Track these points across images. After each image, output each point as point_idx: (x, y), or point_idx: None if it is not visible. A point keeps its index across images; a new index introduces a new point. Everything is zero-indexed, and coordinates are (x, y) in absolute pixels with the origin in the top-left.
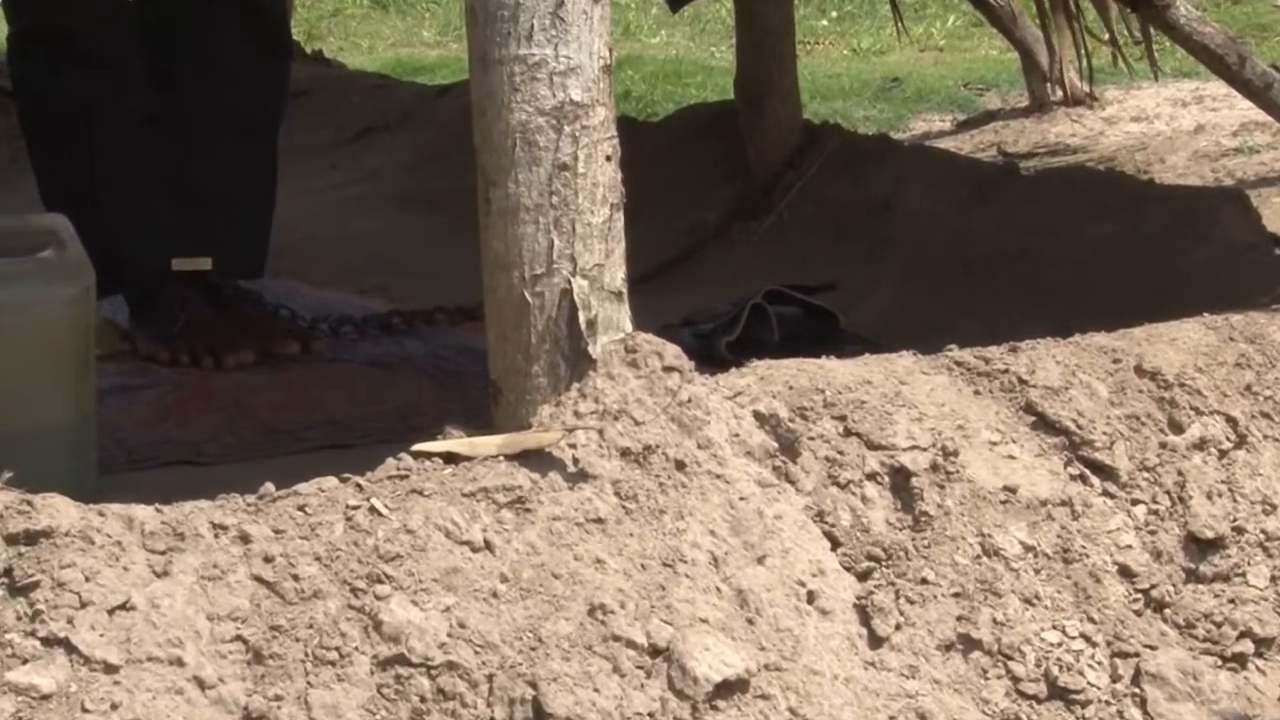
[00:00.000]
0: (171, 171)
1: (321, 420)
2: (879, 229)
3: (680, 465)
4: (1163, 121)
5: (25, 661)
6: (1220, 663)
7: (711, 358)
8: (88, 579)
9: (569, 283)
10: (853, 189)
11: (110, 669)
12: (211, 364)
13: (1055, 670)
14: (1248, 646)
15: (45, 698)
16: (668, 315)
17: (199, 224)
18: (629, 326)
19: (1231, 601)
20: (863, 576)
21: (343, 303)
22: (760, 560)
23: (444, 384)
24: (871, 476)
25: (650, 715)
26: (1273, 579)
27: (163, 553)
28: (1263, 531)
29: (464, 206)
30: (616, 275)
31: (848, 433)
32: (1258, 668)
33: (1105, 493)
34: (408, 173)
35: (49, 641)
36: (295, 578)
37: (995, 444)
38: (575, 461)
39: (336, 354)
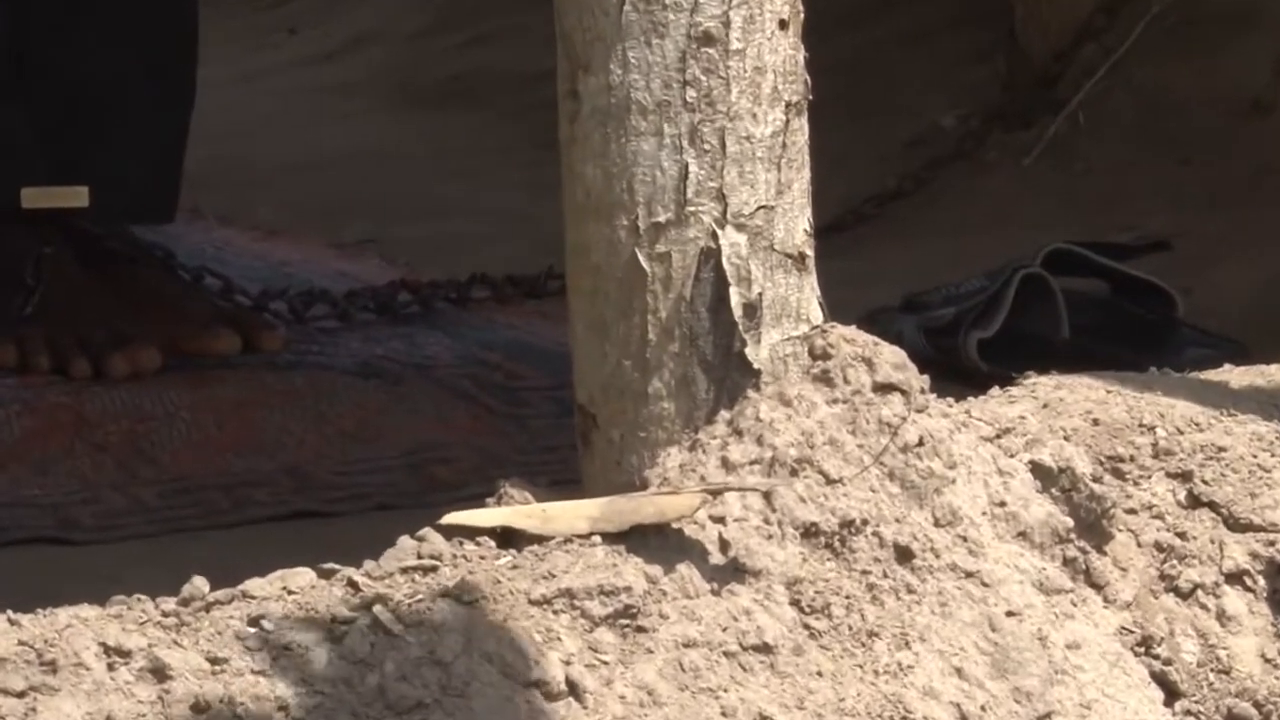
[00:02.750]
0: (13, 45)
1: (278, 469)
2: (1246, 145)
3: (904, 555)
4: None
5: None
6: None
7: (956, 367)
8: None
9: (715, 238)
10: (1198, 76)
11: None
12: (88, 370)
13: None
14: None
15: None
16: (879, 292)
17: (65, 135)
18: (818, 315)
19: None
20: None
21: (312, 266)
22: None
23: (489, 408)
24: (1237, 577)
25: None
26: None
27: (21, 694)
28: None
29: (520, 101)
30: (797, 225)
31: (1195, 502)
32: None
33: None
34: (419, 44)
35: None
36: None
37: None
38: (723, 546)
39: (301, 355)
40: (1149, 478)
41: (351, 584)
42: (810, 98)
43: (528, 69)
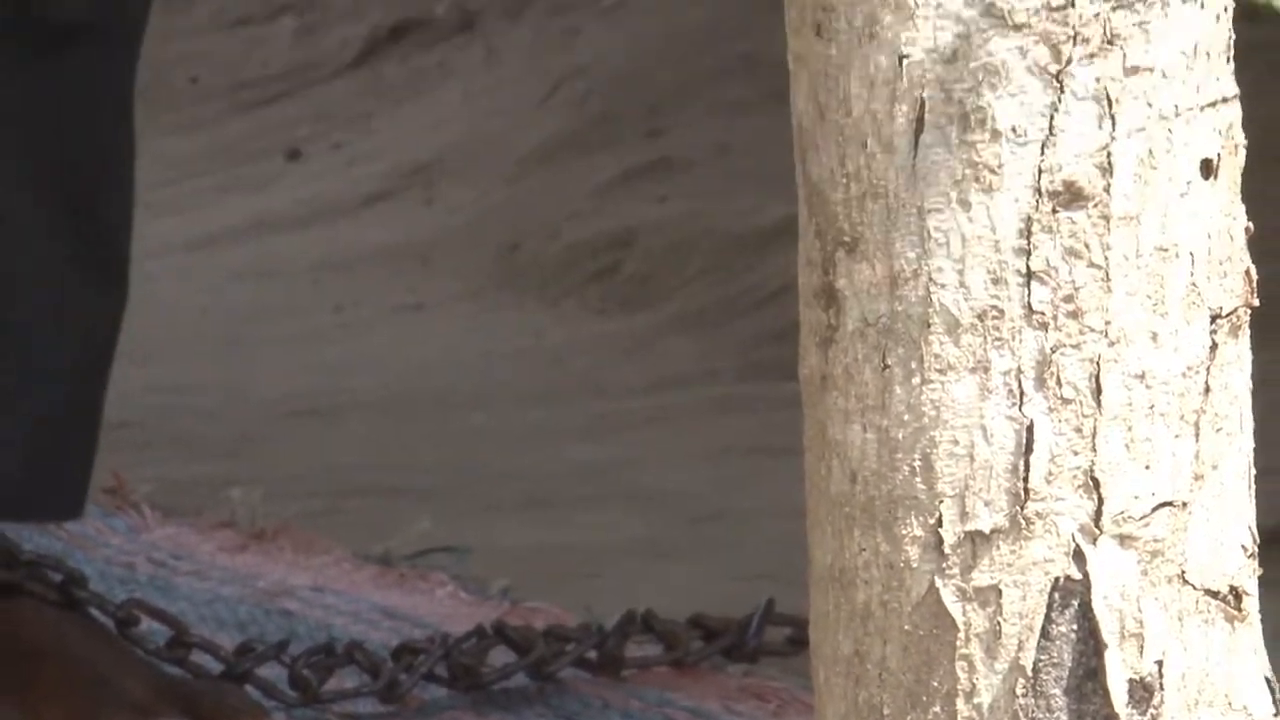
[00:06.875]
0: None
1: None
2: None
3: None
4: None
5: None
6: None
7: None
8: None
9: (1080, 560)
10: None
11: None
12: None
13: None
14: None
15: None
16: None
17: None
18: (1266, 705)
19: None
20: None
21: (332, 600)
22: None
23: None
24: None
25: None
26: None
27: None
28: None
29: (715, 293)
30: (1229, 537)
31: None
32: None
33: None
34: (536, 175)
35: None
36: None
37: None
38: None
39: None
40: None
41: None
42: (1257, 302)
43: (733, 228)
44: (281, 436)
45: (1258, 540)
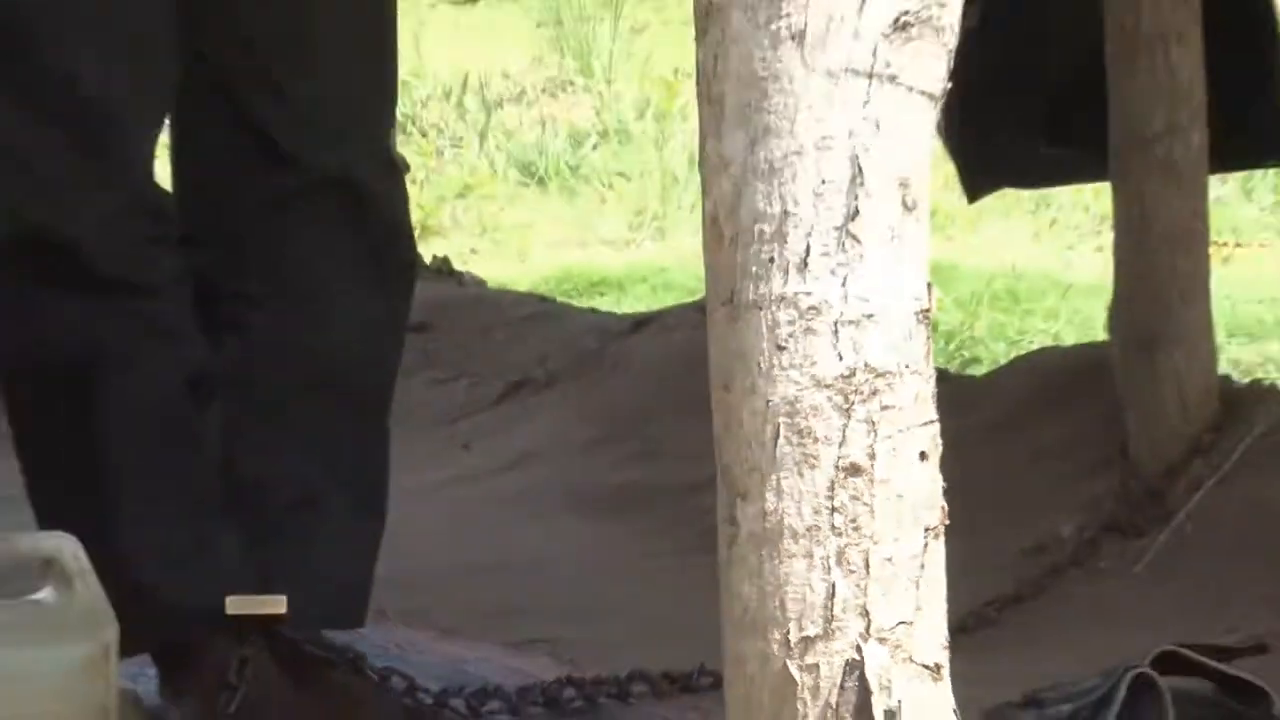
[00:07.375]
0: (225, 463)
1: None
2: None
3: None
4: None
5: None
6: None
7: None
8: None
9: (859, 651)
10: None
11: None
12: None
13: None
14: None
15: None
16: (999, 689)
17: (269, 546)
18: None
19: None
20: None
21: (485, 665)
22: None
23: None
24: None
25: None
26: None
27: None
28: None
29: (677, 512)
30: (934, 638)
31: None
32: None
33: None
34: (585, 457)
35: None
36: None
37: None
38: None
39: None
40: None
41: None
42: (947, 523)
43: (689, 481)
44: (462, 583)
45: (949, 637)
